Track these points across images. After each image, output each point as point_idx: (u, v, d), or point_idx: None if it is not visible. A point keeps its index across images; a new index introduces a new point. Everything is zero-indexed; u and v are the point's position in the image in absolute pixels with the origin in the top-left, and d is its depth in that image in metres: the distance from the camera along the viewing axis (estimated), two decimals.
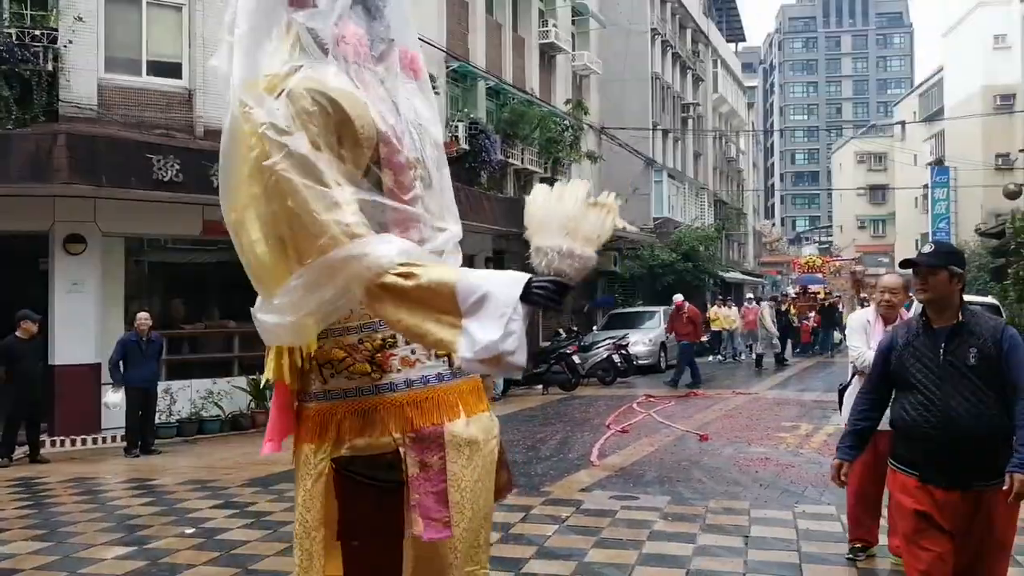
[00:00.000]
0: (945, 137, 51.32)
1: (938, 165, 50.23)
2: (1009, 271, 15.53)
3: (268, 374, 2.83)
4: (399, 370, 2.69)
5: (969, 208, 46.58)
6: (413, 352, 2.71)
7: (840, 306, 29.35)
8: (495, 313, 2.27)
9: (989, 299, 18.00)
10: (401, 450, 2.62)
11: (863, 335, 5.51)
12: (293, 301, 2.53)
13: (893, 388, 3.73)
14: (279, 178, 2.48)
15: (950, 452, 3.41)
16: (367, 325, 2.68)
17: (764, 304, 23.34)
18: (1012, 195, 29.67)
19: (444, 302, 2.34)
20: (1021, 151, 35.88)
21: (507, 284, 2.32)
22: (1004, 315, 16.03)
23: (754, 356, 23.38)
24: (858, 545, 5.72)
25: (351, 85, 2.68)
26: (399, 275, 2.38)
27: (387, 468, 2.67)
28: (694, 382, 17.62)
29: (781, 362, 22.93)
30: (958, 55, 49.81)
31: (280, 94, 2.59)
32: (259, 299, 2.75)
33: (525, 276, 2.35)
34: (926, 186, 50.50)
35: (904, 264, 3.64)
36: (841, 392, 5.89)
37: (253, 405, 13.18)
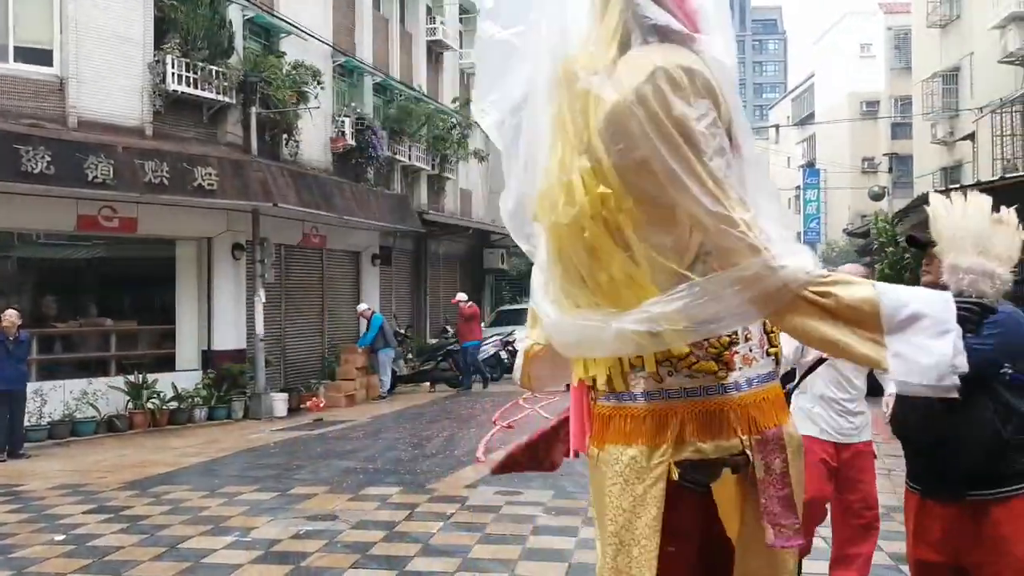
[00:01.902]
0: (816, 141, 53.84)
1: (809, 167, 52.64)
2: (873, 269, 16.44)
3: (582, 375, 2.68)
4: (740, 368, 2.58)
5: (838, 209, 49.04)
6: (751, 350, 2.61)
7: None
8: (934, 330, 2.19)
9: None
10: (748, 453, 2.53)
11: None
12: (675, 310, 2.30)
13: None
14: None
15: (936, 456, 3.00)
16: None
17: None
18: (876, 197, 31.41)
19: (865, 318, 2.24)
20: (885, 155, 37.94)
21: (938, 302, 2.23)
22: None
23: None
24: None
25: (702, 62, 2.47)
26: (818, 293, 2.26)
27: (698, 469, 2.57)
28: (465, 385, 17.51)
29: None
30: (828, 62, 52.29)
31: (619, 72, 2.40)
32: (572, 306, 2.53)
33: (948, 295, 2.26)
34: (798, 187, 52.83)
35: (910, 241, 3.22)
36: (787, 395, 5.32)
37: (131, 406, 12.74)
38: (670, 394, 2.55)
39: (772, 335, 2.70)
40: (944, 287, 2.92)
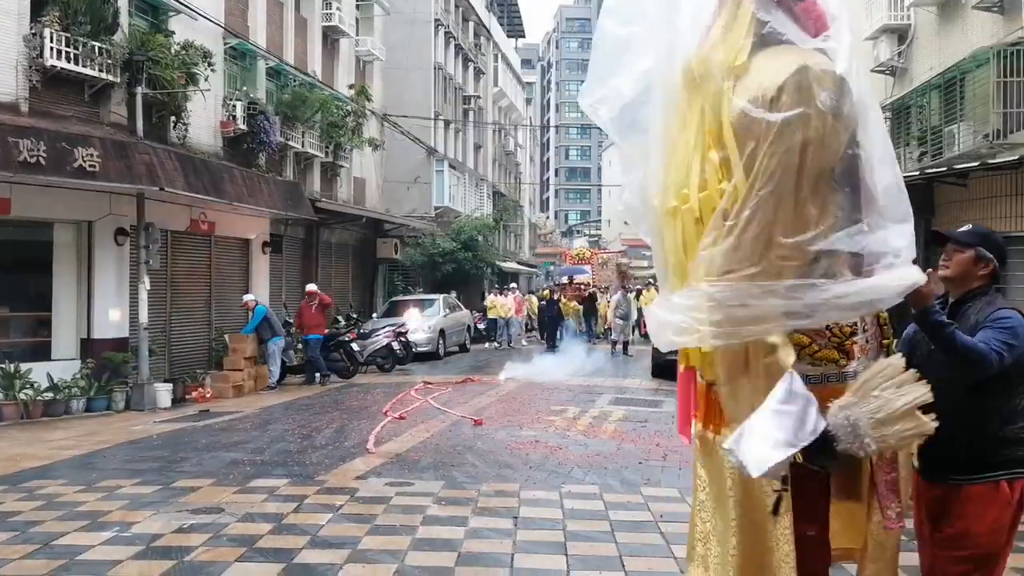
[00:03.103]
0: None
1: None
2: None
3: (688, 363, 2.83)
4: (857, 358, 2.69)
5: None
6: (867, 340, 2.72)
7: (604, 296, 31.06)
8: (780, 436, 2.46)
9: None
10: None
11: None
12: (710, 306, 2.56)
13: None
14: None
15: (930, 441, 3.02)
16: None
17: (619, 294, 23.65)
18: None
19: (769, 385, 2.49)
20: None
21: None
22: None
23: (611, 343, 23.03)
24: None
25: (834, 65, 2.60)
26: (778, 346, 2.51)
27: (823, 453, 2.66)
28: (323, 376, 16.90)
29: (624, 352, 22.55)
30: None
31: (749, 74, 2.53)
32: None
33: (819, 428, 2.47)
34: None
35: (936, 237, 3.29)
36: None
37: (1, 397, 12.09)
38: None
39: (885, 327, 2.87)
40: (952, 280, 3.12)
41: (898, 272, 2.62)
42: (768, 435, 2.43)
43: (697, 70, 2.67)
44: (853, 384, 2.63)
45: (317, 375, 16.87)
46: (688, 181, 2.66)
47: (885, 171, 2.74)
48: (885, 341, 2.91)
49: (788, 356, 2.56)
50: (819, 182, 2.61)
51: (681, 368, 3.02)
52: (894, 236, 2.68)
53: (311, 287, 17.62)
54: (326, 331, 17.54)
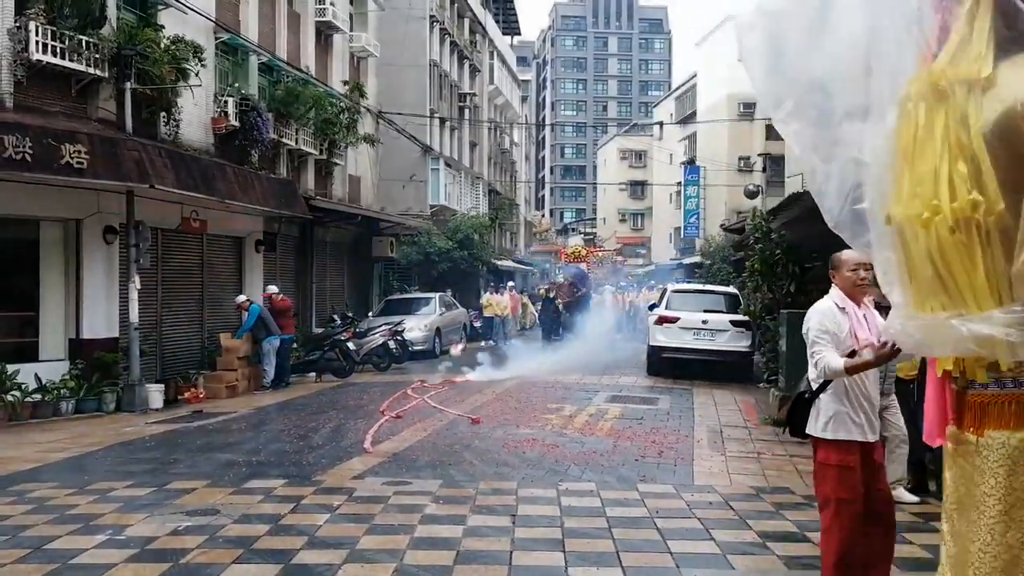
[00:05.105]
0: (697, 139, 55.36)
1: (690, 164, 54.08)
2: (746, 264, 17.01)
3: (949, 367, 2.82)
4: None
5: (716, 205, 50.58)
6: None
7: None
8: None
9: (731, 288, 19.69)
10: None
11: (827, 335, 4.27)
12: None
13: None
14: None
15: None
16: None
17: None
18: (751, 195, 32.55)
19: None
20: (760, 155, 39.31)
21: None
22: (742, 303, 17.48)
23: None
24: None
25: None
26: None
27: None
28: (279, 381, 16.21)
29: None
30: (709, 64, 53.82)
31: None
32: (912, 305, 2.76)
33: None
34: (680, 183, 54.24)
35: None
36: (805, 402, 4.43)
37: None
38: None
39: None
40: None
41: None
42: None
43: (937, 83, 2.68)
44: None
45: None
46: (937, 192, 2.68)
47: None
48: None
49: None
50: None
51: (939, 373, 3.03)
52: None
53: (269, 289, 17.41)
54: (292, 333, 17.16)
